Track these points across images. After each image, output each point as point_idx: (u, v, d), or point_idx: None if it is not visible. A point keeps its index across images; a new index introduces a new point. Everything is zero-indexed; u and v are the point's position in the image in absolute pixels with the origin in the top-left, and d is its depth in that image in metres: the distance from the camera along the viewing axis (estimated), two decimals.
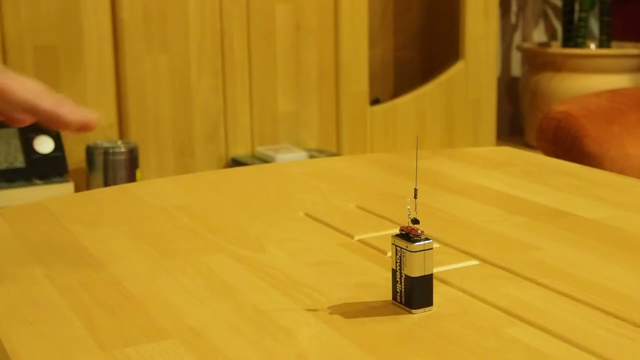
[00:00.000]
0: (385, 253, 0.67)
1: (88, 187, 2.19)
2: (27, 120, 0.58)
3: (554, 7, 3.58)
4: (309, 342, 0.51)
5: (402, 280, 0.55)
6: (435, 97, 2.80)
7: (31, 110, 0.55)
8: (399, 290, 0.55)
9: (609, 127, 1.89)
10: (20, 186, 2.11)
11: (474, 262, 0.65)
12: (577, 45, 3.24)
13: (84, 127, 0.56)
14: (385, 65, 3.14)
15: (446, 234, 0.71)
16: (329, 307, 0.56)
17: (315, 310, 0.56)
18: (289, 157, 2.37)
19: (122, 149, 2.18)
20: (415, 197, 0.55)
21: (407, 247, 0.54)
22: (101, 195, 0.91)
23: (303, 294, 0.58)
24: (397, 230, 0.55)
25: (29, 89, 0.55)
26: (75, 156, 2.29)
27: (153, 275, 0.63)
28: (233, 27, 2.42)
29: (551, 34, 3.60)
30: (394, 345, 0.51)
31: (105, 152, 2.17)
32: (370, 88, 2.71)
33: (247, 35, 2.45)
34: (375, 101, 2.89)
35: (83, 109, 0.56)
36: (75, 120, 0.55)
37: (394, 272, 0.55)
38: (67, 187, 2.14)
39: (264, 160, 2.39)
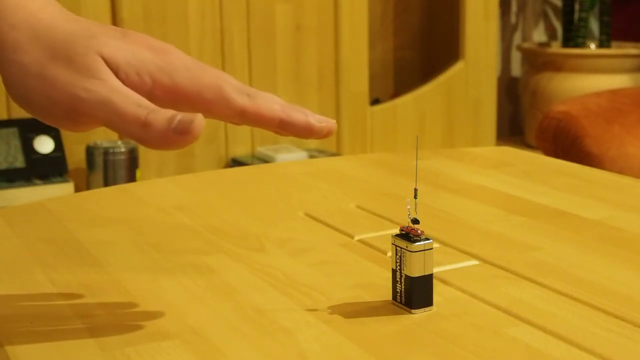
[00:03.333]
0: (385, 253, 0.67)
1: (88, 187, 2.20)
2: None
3: (554, 7, 3.58)
4: (309, 342, 0.51)
5: (402, 280, 0.55)
6: (435, 97, 2.80)
7: (282, 127, 0.51)
8: (399, 290, 0.55)
9: (609, 127, 1.89)
10: (20, 186, 2.11)
11: (474, 262, 0.65)
12: (577, 45, 3.24)
13: (328, 134, 0.53)
14: (385, 65, 3.14)
15: (446, 234, 0.71)
16: (329, 307, 0.56)
17: (315, 310, 0.56)
18: (289, 157, 2.37)
19: (122, 149, 2.18)
20: (415, 197, 0.55)
21: (407, 247, 0.54)
22: (101, 195, 0.91)
23: (303, 294, 0.58)
24: (397, 230, 0.55)
25: (274, 107, 0.51)
26: (75, 156, 2.29)
27: (153, 275, 0.63)
28: (233, 27, 2.42)
29: (551, 34, 3.60)
30: (394, 345, 0.51)
31: (105, 152, 2.17)
32: (370, 88, 2.71)
33: (247, 35, 2.45)
34: (375, 101, 2.89)
35: (321, 116, 0.53)
36: (324, 128, 0.52)
37: (394, 272, 0.55)
38: (67, 187, 2.14)
39: (264, 160, 2.39)
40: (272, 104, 0.51)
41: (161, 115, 0.47)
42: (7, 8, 0.51)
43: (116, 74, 0.49)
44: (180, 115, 0.47)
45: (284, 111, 0.51)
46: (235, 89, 0.51)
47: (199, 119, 0.47)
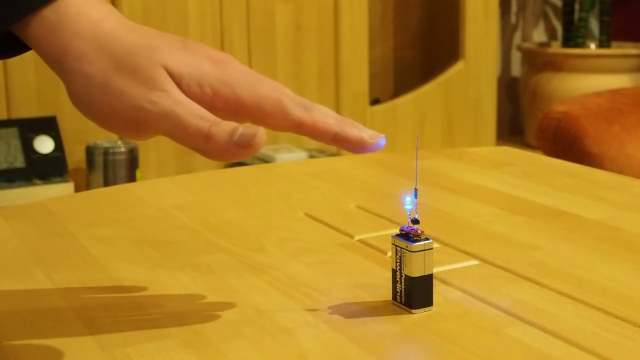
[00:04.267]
0: (385, 253, 0.67)
1: (88, 187, 2.19)
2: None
3: (554, 7, 3.58)
4: (309, 342, 0.51)
5: (402, 280, 0.55)
6: (435, 97, 2.80)
7: (335, 140, 0.52)
8: (399, 290, 0.55)
9: (609, 127, 1.89)
10: (20, 186, 2.11)
11: (474, 262, 0.65)
12: (577, 45, 3.23)
13: (377, 148, 0.53)
14: (385, 65, 3.14)
15: (446, 234, 0.71)
16: (329, 307, 0.56)
17: (315, 310, 0.56)
18: (289, 157, 2.37)
19: (122, 149, 2.18)
20: (415, 197, 0.55)
21: (407, 247, 0.54)
22: (101, 195, 0.91)
23: (303, 294, 0.58)
24: (397, 230, 0.55)
25: (330, 121, 0.51)
26: (75, 156, 2.29)
27: (153, 275, 0.63)
28: (233, 27, 2.42)
29: (551, 34, 3.60)
30: (394, 345, 0.51)
31: (105, 152, 2.17)
32: (370, 88, 2.71)
33: (247, 35, 2.45)
34: (375, 101, 2.89)
35: (372, 131, 0.53)
36: (375, 144, 0.52)
37: (394, 272, 0.55)
38: (67, 187, 2.14)
39: (264, 160, 2.39)
40: (328, 117, 0.52)
41: (223, 128, 0.48)
42: (69, 16, 0.51)
43: (178, 85, 0.50)
44: (241, 129, 0.48)
45: (339, 125, 0.51)
46: (293, 102, 0.51)
47: (261, 133, 0.48)
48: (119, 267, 0.65)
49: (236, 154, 0.48)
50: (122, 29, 0.52)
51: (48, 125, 2.17)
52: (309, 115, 0.51)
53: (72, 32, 0.51)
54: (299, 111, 0.51)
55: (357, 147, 0.52)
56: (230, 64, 0.52)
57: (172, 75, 0.50)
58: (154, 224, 0.77)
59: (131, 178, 2.18)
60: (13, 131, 2.16)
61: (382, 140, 0.52)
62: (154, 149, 2.33)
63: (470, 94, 2.82)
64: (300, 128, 0.51)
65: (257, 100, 0.51)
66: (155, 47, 0.51)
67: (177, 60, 0.50)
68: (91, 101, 0.50)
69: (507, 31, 3.52)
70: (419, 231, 0.54)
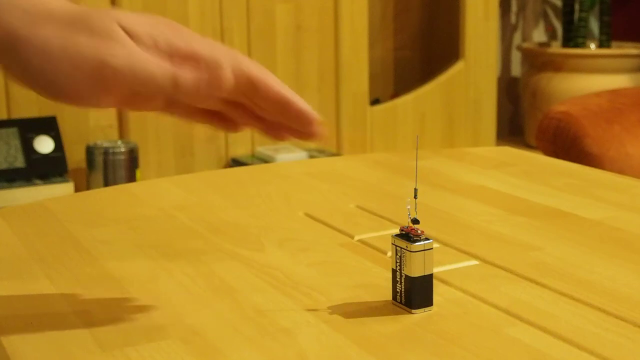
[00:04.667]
0: (385, 253, 0.67)
1: (88, 187, 2.19)
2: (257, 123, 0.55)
3: (554, 7, 3.58)
4: (309, 342, 0.51)
5: (402, 280, 0.55)
6: (435, 97, 2.79)
7: (281, 110, 0.52)
8: (399, 290, 0.55)
9: (609, 127, 1.89)
10: (20, 186, 2.11)
11: (474, 262, 0.65)
12: (577, 45, 3.23)
13: (318, 136, 0.53)
14: (385, 65, 3.14)
15: (446, 234, 0.71)
16: (329, 307, 0.56)
17: (315, 310, 0.56)
18: (289, 157, 2.36)
19: (122, 149, 2.18)
20: (415, 197, 0.55)
21: (407, 247, 0.54)
22: (101, 195, 0.91)
23: (303, 294, 0.58)
24: (397, 230, 0.55)
25: (279, 84, 0.52)
26: (75, 156, 2.28)
27: (153, 275, 0.63)
28: (233, 27, 2.42)
29: (551, 34, 3.60)
30: (394, 345, 0.51)
31: (105, 152, 2.17)
32: (370, 88, 2.71)
33: (247, 35, 2.45)
34: (375, 101, 2.89)
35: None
36: (319, 131, 0.52)
37: (394, 272, 0.55)
38: (67, 187, 2.14)
39: (264, 160, 2.39)
40: (281, 84, 0.53)
41: (188, 70, 0.50)
42: (22, 3, 0.51)
43: (135, 42, 0.51)
44: (203, 64, 0.50)
45: (291, 93, 0.52)
46: (252, 62, 0.52)
47: (225, 69, 0.50)
48: (118, 267, 0.65)
49: (205, 92, 0.50)
50: (71, 5, 0.52)
51: (48, 125, 2.17)
52: (264, 74, 0.52)
53: (20, 10, 0.50)
54: (255, 67, 0.52)
55: (302, 121, 0.52)
56: (188, 31, 0.53)
57: (127, 32, 0.50)
58: (154, 224, 0.77)
59: (131, 178, 2.18)
60: (13, 131, 2.15)
61: (323, 130, 0.53)
62: (154, 149, 2.33)
63: (470, 94, 2.82)
64: (255, 85, 0.52)
65: (212, 52, 0.51)
66: (107, 10, 0.52)
67: (131, 21, 0.51)
68: (51, 66, 0.50)
69: (507, 31, 3.51)
70: (419, 231, 0.54)
